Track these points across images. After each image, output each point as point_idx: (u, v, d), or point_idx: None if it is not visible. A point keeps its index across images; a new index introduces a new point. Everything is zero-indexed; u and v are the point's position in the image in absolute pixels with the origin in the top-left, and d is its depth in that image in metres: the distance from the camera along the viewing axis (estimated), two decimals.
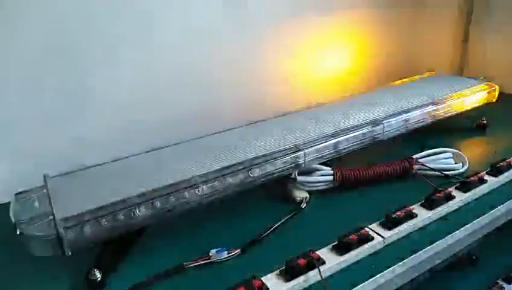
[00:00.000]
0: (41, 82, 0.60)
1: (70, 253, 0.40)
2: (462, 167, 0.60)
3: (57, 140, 0.63)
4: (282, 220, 0.50)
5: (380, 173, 0.58)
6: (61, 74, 0.61)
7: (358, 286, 0.41)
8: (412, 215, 0.49)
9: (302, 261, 0.41)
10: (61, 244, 0.40)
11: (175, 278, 0.42)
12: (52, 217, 0.40)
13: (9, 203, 0.45)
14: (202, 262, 0.43)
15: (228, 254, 0.44)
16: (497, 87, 0.74)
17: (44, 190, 0.45)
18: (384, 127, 0.61)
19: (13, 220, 0.42)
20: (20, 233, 0.40)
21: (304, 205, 0.53)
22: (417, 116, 0.65)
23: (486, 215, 0.52)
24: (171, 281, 0.42)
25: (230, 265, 0.44)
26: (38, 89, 0.60)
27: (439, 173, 0.58)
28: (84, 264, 0.42)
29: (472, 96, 0.72)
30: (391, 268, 0.44)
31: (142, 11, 0.66)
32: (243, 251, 0.45)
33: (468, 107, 0.72)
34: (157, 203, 0.43)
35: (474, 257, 0.75)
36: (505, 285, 0.71)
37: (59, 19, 0.59)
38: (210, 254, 0.44)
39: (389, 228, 0.47)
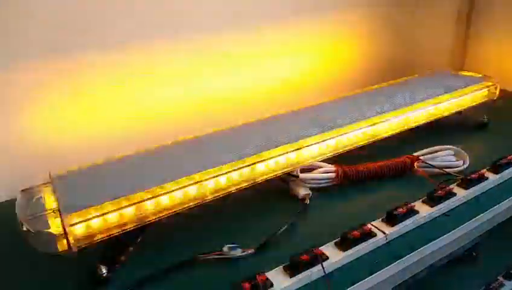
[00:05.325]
0: None
1: (76, 249, 0.40)
2: (463, 164, 0.61)
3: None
4: (293, 218, 0.50)
5: (381, 170, 0.58)
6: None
7: (361, 282, 0.42)
8: (413, 212, 0.50)
9: (305, 257, 0.41)
10: (68, 241, 0.40)
11: (185, 270, 0.43)
12: (58, 213, 0.41)
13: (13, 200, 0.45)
14: (214, 256, 0.44)
15: (242, 252, 0.44)
16: (497, 84, 0.75)
17: (50, 187, 0.46)
18: (385, 125, 0.61)
19: (19, 217, 0.42)
20: (26, 230, 0.41)
21: (308, 201, 0.53)
22: (418, 114, 0.65)
23: (487, 212, 0.52)
24: (180, 274, 0.43)
25: (238, 261, 0.44)
26: None
27: (440, 170, 0.59)
28: (90, 260, 0.43)
29: (472, 94, 0.72)
30: (393, 264, 0.44)
31: None
32: (257, 250, 0.45)
33: (469, 105, 0.72)
34: (164, 200, 0.44)
35: (474, 254, 0.75)
36: (505, 281, 0.71)
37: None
38: (224, 250, 0.44)
39: (391, 225, 0.48)
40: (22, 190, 0.46)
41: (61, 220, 0.40)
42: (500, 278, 0.72)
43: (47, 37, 0.59)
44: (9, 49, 0.57)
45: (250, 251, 0.44)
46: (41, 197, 0.45)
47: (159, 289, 0.42)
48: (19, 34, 0.57)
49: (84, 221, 0.41)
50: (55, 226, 0.41)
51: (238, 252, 0.44)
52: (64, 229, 0.40)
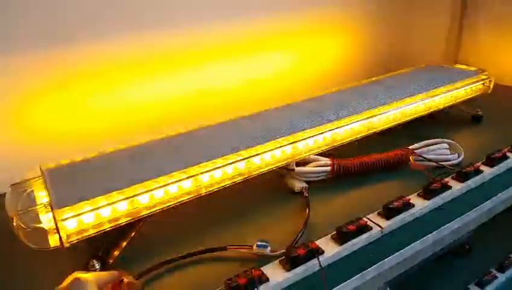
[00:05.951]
0: None
1: (68, 244, 0.40)
2: (458, 157, 0.61)
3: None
4: (305, 219, 0.48)
5: (377, 163, 0.58)
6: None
7: (357, 275, 0.41)
8: (409, 205, 0.49)
9: (301, 251, 0.41)
10: (59, 236, 0.39)
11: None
12: (49, 208, 0.40)
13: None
14: (243, 251, 0.43)
15: (271, 252, 0.42)
16: (491, 78, 0.75)
17: (41, 181, 0.45)
18: (380, 118, 0.61)
19: (9, 211, 0.41)
20: (16, 225, 0.40)
21: (307, 195, 0.53)
22: (413, 108, 0.65)
23: (482, 205, 0.52)
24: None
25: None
26: None
27: (435, 164, 0.59)
28: (83, 256, 0.42)
29: (467, 88, 0.72)
30: (389, 258, 0.44)
31: None
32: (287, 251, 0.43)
33: (463, 99, 0.72)
34: (158, 193, 0.43)
35: (467, 247, 0.76)
36: (498, 274, 0.72)
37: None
38: (253, 247, 0.43)
39: (387, 218, 0.48)
40: (12, 184, 0.45)
41: (53, 215, 0.39)
42: (493, 271, 0.72)
43: (37, 27, 0.58)
44: None
45: (279, 251, 0.43)
46: (32, 191, 0.44)
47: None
48: (9, 25, 0.56)
49: (77, 215, 0.40)
50: (46, 221, 0.40)
51: (267, 251, 0.43)
52: (56, 224, 0.39)
